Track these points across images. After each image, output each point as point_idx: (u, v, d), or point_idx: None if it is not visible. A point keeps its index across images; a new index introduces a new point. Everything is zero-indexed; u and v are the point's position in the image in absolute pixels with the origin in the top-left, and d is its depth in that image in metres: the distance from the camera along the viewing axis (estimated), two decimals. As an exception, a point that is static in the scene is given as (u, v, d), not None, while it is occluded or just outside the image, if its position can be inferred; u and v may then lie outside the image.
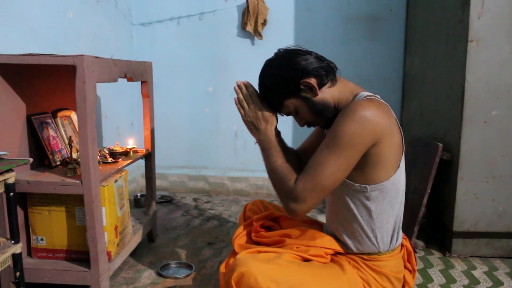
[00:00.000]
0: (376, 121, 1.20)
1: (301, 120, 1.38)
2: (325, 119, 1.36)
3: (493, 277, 1.97)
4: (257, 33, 3.02)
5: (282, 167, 1.31)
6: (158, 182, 3.24)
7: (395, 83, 3.05)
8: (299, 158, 1.57)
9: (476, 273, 2.01)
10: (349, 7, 3.02)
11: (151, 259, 2.11)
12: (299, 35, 3.08)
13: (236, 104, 1.38)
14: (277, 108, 1.37)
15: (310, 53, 1.34)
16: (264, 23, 3.01)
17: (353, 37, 3.03)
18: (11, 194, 1.38)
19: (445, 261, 2.13)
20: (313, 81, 1.30)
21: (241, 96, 1.37)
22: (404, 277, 1.44)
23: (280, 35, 3.08)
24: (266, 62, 1.37)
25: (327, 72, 1.31)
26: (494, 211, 2.09)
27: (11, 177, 1.37)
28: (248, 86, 1.38)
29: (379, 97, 1.33)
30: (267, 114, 1.36)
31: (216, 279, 1.91)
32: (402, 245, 1.46)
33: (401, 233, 1.43)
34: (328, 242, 1.42)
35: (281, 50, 1.36)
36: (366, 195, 1.31)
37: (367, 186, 1.30)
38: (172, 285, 1.86)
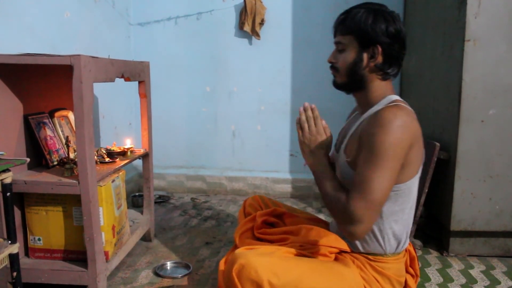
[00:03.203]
0: (410, 128, 1.21)
1: (334, 57, 1.36)
2: (345, 83, 1.35)
3: (490, 276, 1.97)
4: (254, 33, 3.02)
5: (336, 191, 1.26)
6: (156, 182, 3.24)
7: (392, 82, 3.04)
8: None
9: (474, 272, 2.01)
10: (347, 6, 3.00)
11: (148, 259, 2.10)
12: (296, 35, 3.09)
13: (296, 124, 1.37)
14: (342, 29, 1.34)
15: (405, 44, 1.31)
16: (262, 22, 3.01)
17: (350, 36, 3.03)
18: (8, 194, 1.37)
19: (442, 260, 2.14)
20: (380, 56, 1.28)
21: (303, 117, 1.34)
22: (406, 281, 1.43)
23: (277, 34, 3.08)
24: (379, 4, 1.33)
25: (394, 66, 1.31)
26: (491, 210, 2.09)
27: (8, 177, 1.36)
28: (314, 109, 1.35)
29: (405, 103, 1.32)
30: (325, 141, 1.32)
31: (214, 278, 1.91)
32: (406, 249, 1.45)
33: (408, 239, 1.41)
34: (333, 241, 1.40)
35: (396, 13, 1.32)
36: None
37: None
38: (169, 284, 1.86)
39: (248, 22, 3.00)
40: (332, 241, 1.40)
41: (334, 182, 1.29)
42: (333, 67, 1.37)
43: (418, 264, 1.49)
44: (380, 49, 1.27)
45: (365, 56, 1.30)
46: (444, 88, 2.20)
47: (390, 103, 1.29)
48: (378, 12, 1.29)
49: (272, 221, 1.63)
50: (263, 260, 1.23)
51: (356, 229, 1.19)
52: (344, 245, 1.40)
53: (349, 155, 1.32)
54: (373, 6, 1.32)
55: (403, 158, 1.21)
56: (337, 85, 1.39)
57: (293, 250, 1.37)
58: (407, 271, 1.45)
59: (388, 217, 1.33)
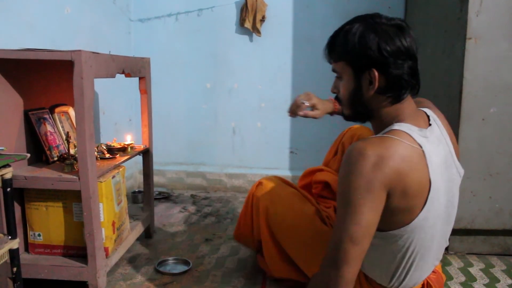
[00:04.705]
0: (386, 165, 1.03)
1: (335, 87, 1.24)
2: (352, 114, 1.22)
3: (489, 274, 1.98)
4: (255, 30, 3.01)
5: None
6: (156, 179, 3.24)
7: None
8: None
9: (473, 270, 2.01)
10: (348, 3, 3.02)
11: (148, 255, 2.11)
12: (297, 32, 3.08)
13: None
14: (332, 56, 1.21)
15: (412, 55, 1.13)
16: (263, 19, 3.01)
17: (351, 34, 3.03)
18: (8, 189, 1.37)
19: (442, 258, 2.14)
20: (378, 81, 1.11)
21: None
22: None
23: (278, 31, 3.07)
24: (374, 14, 1.15)
25: (401, 88, 1.12)
26: (491, 208, 2.09)
27: (8, 173, 1.36)
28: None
29: (414, 134, 1.10)
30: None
31: (214, 275, 1.91)
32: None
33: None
34: None
35: (398, 21, 1.13)
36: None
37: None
38: (169, 281, 1.86)
39: (249, 19, 2.99)
40: None
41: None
42: (338, 98, 1.26)
43: None
44: (376, 73, 1.10)
45: (363, 83, 1.14)
46: (445, 86, 2.20)
47: (386, 132, 1.13)
48: (369, 27, 1.11)
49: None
50: (273, 189, 1.69)
51: (338, 272, 1.06)
52: None
53: None
54: (364, 20, 1.14)
55: (379, 203, 1.05)
56: (346, 118, 1.26)
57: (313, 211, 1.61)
58: None
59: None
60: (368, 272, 1.30)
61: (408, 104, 1.17)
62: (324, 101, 1.73)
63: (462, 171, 1.25)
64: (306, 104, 1.67)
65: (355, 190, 1.03)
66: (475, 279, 1.93)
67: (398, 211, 1.10)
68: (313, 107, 1.70)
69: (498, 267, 2.05)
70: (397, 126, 1.12)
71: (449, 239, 2.16)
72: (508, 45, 1.97)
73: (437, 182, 1.11)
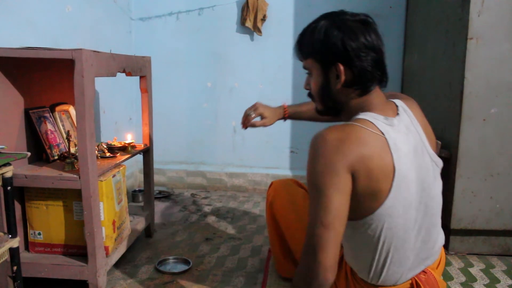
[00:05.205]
0: (347, 148, 1.06)
1: (307, 84, 1.27)
2: (323, 108, 1.26)
3: (490, 275, 1.97)
4: (256, 29, 3.01)
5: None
6: (156, 178, 3.24)
7: (394, 80, 3.04)
8: None
9: (473, 271, 2.01)
10: (349, 3, 3.01)
11: (148, 254, 2.11)
12: (298, 31, 3.01)
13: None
14: (301, 54, 1.27)
15: (377, 48, 1.14)
16: (264, 18, 3.01)
17: (352, 33, 3.02)
18: (9, 188, 1.37)
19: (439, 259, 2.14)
20: (345, 74, 1.14)
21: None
22: None
23: (279, 31, 3.07)
24: (339, 12, 1.21)
25: (366, 81, 1.15)
26: (492, 208, 2.09)
27: (8, 171, 1.36)
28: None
29: (373, 120, 1.14)
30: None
31: (214, 274, 1.91)
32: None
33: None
34: None
35: (362, 17, 1.18)
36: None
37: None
38: (169, 280, 1.86)
39: (250, 18, 2.99)
40: None
41: None
42: (310, 95, 1.28)
43: None
44: (341, 67, 1.13)
45: (330, 77, 1.17)
46: (446, 86, 2.20)
47: (353, 120, 1.16)
48: (333, 24, 1.16)
49: None
50: (286, 187, 1.81)
51: (316, 260, 1.06)
52: None
53: None
54: (329, 17, 1.20)
55: (345, 185, 1.07)
56: (319, 113, 1.29)
57: None
58: None
59: (344, 247, 1.26)
60: (351, 265, 1.31)
61: (376, 95, 1.19)
62: (273, 108, 1.80)
63: (438, 160, 1.26)
64: (252, 115, 1.77)
65: (319, 174, 1.06)
66: (475, 280, 1.93)
67: (364, 196, 1.11)
68: (261, 117, 1.78)
69: (499, 268, 2.05)
70: (362, 115, 1.16)
71: (450, 239, 2.18)
72: (509, 45, 1.97)
73: (404, 169, 1.12)
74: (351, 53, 1.12)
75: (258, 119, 1.81)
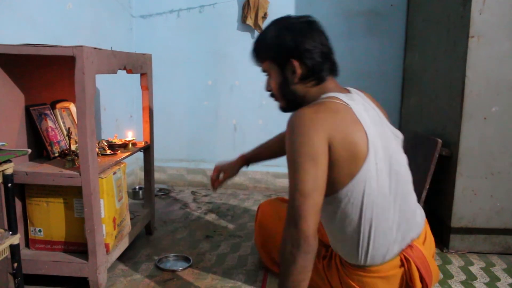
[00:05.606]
0: (321, 122, 1.18)
1: (268, 85, 1.39)
2: (286, 105, 1.37)
3: (490, 273, 1.98)
4: (257, 27, 3.01)
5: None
6: (157, 175, 3.24)
7: (395, 78, 3.04)
8: None
9: (473, 269, 2.01)
10: (350, 1, 3.01)
11: (149, 252, 2.11)
12: (299, 29, 3.06)
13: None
14: (258, 58, 1.38)
15: (323, 43, 1.30)
16: (265, 16, 3.00)
17: (353, 32, 3.02)
18: (9, 185, 1.37)
19: (442, 256, 2.14)
20: (299, 68, 1.29)
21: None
22: None
23: (280, 29, 3.06)
24: (285, 16, 1.35)
25: (319, 71, 1.29)
26: (492, 207, 2.09)
27: (9, 168, 1.36)
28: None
29: (340, 97, 1.27)
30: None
31: (214, 272, 1.91)
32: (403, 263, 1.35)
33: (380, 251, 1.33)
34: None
35: (306, 18, 1.33)
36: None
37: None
38: (169, 277, 1.86)
39: (251, 16, 2.99)
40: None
41: None
42: (272, 95, 1.40)
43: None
44: (295, 62, 1.28)
45: (287, 74, 1.31)
46: (447, 85, 2.20)
47: (320, 100, 1.29)
48: (282, 27, 1.31)
49: None
50: (271, 205, 1.85)
51: (298, 227, 1.15)
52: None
53: None
54: (278, 22, 1.34)
55: (321, 156, 1.16)
56: (283, 110, 1.41)
57: None
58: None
59: (330, 236, 1.39)
60: (339, 251, 1.37)
61: (331, 82, 1.34)
62: (232, 162, 1.88)
63: (397, 132, 1.38)
64: (216, 178, 1.87)
65: (297, 147, 1.16)
66: (475, 278, 1.93)
67: (344, 161, 1.19)
68: (223, 173, 1.87)
69: (499, 266, 2.05)
70: (324, 96, 1.30)
71: (450, 238, 2.18)
72: (511, 44, 1.96)
73: (372, 134, 1.23)
74: (301, 49, 1.26)
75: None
